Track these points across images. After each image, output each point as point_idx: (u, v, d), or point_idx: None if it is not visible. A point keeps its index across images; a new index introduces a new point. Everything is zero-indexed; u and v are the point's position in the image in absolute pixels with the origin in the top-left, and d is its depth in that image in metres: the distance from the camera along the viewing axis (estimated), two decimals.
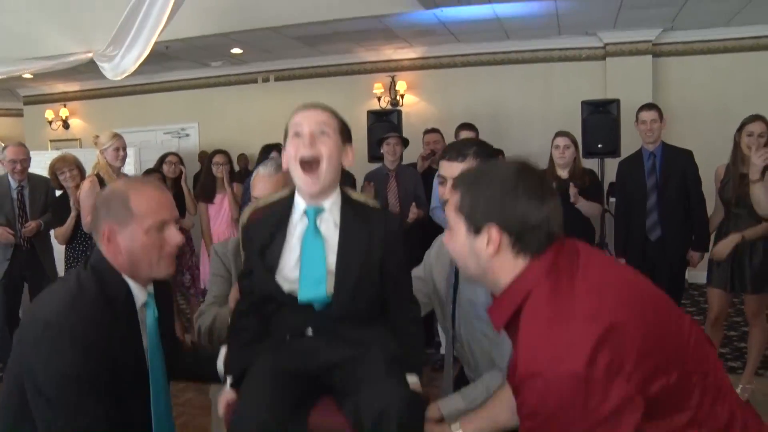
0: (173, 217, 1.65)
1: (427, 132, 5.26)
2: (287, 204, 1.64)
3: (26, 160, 4.42)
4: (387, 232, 1.63)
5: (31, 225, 4.33)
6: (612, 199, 4.96)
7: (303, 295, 1.56)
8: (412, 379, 1.60)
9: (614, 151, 5.64)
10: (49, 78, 8.56)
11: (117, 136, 4.13)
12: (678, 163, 3.89)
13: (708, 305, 3.79)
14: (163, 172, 4.80)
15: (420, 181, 4.70)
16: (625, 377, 1.07)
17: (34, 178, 4.53)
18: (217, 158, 4.84)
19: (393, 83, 7.89)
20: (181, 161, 4.97)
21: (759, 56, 6.70)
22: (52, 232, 4.48)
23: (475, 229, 1.25)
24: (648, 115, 4.00)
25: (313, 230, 1.58)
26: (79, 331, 1.44)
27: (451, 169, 1.87)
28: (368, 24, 6.40)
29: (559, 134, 4.05)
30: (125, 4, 4.61)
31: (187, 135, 8.97)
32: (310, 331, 1.61)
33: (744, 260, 3.53)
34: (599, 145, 5.75)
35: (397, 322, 1.67)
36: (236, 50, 7.55)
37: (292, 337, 1.62)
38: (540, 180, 1.28)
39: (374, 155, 5.66)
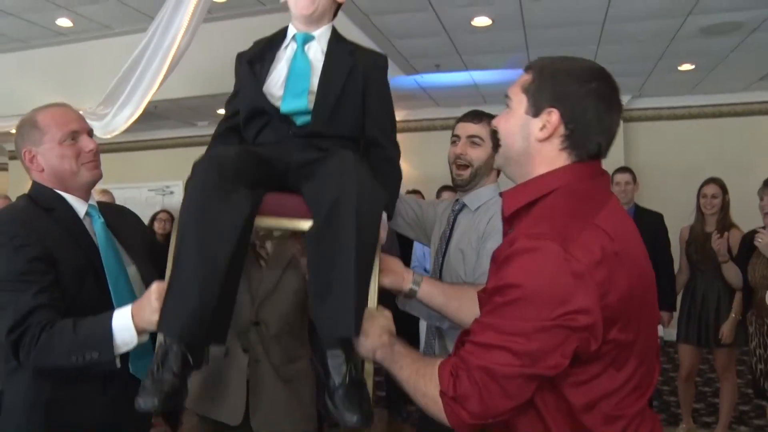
0: (84, 128, 1.74)
1: (408, 193, 5.42)
2: (280, 34, 1.75)
3: None
4: (371, 65, 1.71)
5: None
6: None
7: (285, 106, 1.63)
8: (385, 220, 1.64)
9: None
10: None
11: (106, 192, 4.24)
12: (648, 225, 4.06)
13: (680, 361, 3.91)
14: (155, 229, 4.92)
15: (395, 240, 4.78)
16: (605, 304, 1.06)
17: None
18: (161, 216, 5.12)
19: None
20: (172, 218, 5.10)
21: (721, 122, 7.08)
22: None
23: (536, 110, 1.21)
24: (622, 178, 4.21)
25: (301, 52, 1.67)
26: (9, 235, 1.57)
27: (466, 128, 2.00)
28: None
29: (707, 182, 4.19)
30: (115, 64, 4.77)
31: (172, 192, 9.06)
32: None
33: (710, 316, 3.68)
34: None
35: (371, 158, 1.72)
36: (222, 111, 7.71)
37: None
38: (614, 88, 1.23)
39: None
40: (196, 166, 1.49)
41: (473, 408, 1.11)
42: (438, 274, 2.03)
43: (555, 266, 1.04)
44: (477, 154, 1.97)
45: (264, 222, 1.56)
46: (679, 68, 5.90)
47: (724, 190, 3.77)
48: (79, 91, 6.39)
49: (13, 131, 6.53)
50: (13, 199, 4.77)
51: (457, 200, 2.08)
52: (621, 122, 4.53)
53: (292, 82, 1.64)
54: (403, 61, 5.57)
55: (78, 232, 1.69)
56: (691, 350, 3.79)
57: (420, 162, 7.99)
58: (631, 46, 5.17)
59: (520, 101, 1.24)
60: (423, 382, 1.19)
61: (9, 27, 5.74)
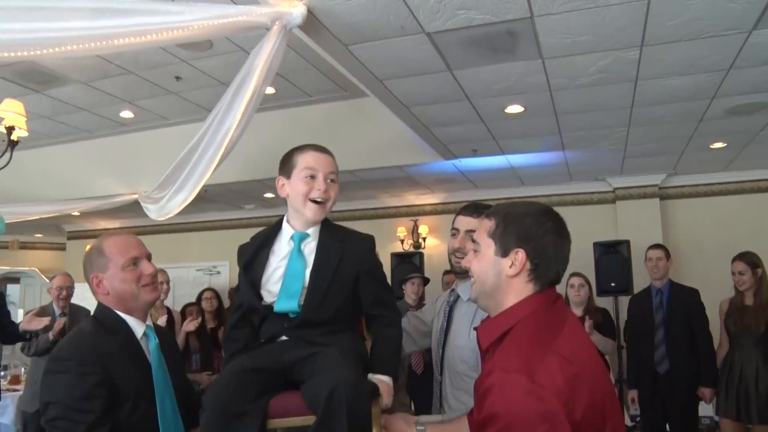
0: (143, 254, 1.93)
1: (446, 273, 5.56)
2: (274, 229, 1.95)
3: (71, 288, 4.83)
4: (359, 252, 1.90)
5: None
6: None
7: (278, 306, 1.82)
8: (386, 379, 1.81)
9: (626, 290, 5.86)
10: (93, 215, 9.18)
11: (162, 272, 4.52)
12: (684, 300, 4.12)
13: None
14: (202, 306, 5.18)
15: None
16: (572, 421, 1.20)
17: (75, 308, 4.89)
18: (206, 294, 5.41)
19: (416, 227, 8.26)
20: (217, 296, 5.37)
21: (759, 197, 7.10)
22: None
23: (504, 251, 1.43)
24: (654, 254, 4.30)
25: (297, 252, 1.86)
26: (77, 360, 1.71)
27: (465, 222, 2.16)
28: (392, 173, 6.90)
29: (573, 274, 4.34)
30: (170, 151, 5.13)
31: (218, 272, 9.37)
32: (284, 337, 1.83)
33: (750, 389, 3.65)
34: (612, 284, 6.00)
35: (375, 327, 1.88)
36: (269, 195, 8.05)
37: (266, 341, 1.85)
38: (562, 222, 1.47)
39: (396, 296, 5.96)
40: (204, 401, 1.69)
41: None
42: (439, 366, 2.20)
43: (525, 397, 1.20)
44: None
45: (276, 423, 1.75)
46: (711, 146, 6.01)
47: (753, 264, 3.81)
48: (136, 176, 6.84)
49: (76, 213, 6.96)
50: (73, 276, 5.13)
51: (452, 290, 2.25)
52: (658, 200, 4.68)
53: (287, 283, 1.84)
54: (441, 147, 5.83)
55: (136, 354, 1.86)
56: (732, 424, 3.74)
57: None
58: (660, 127, 5.33)
59: (488, 245, 1.47)
60: None
61: (80, 120, 6.26)
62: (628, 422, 5.61)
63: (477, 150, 5.99)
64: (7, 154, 4.17)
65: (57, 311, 4.77)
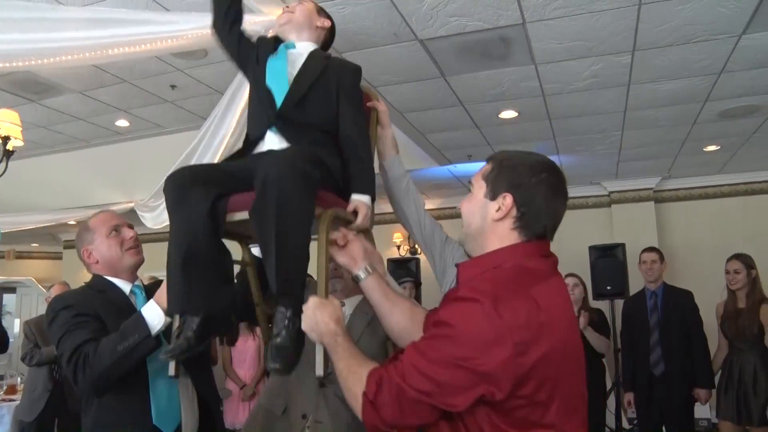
0: (123, 222, 2.17)
1: None
2: (276, 39, 2.11)
3: None
4: (343, 68, 2.00)
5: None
6: None
7: (268, 80, 1.95)
8: (363, 198, 1.83)
9: (622, 293, 5.88)
10: None
11: (155, 281, 4.53)
12: (678, 302, 4.14)
13: None
14: None
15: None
16: (518, 362, 1.20)
17: None
18: None
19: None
20: None
21: (753, 199, 7.15)
22: None
23: (493, 194, 1.41)
24: (649, 257, 4.32)
25: (283, 51, 2.01)
26: (63, 304, 1.97)
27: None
28: None
29: (567, 275, 4.36)
30: (166, 160, 5.14)
31: None
32: (268, 134, 1.90)
33: (748, 392, 3.66)
34: (608, 287, 6.01)
35: (350, 148, 1.90)
36: None
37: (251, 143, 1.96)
38: (561, 179, 1.43)
39: None
40: (166, 180, 1.78)
41: (386, 416, 1.27)
42: None
43: (481, 318, 1.21)
44: None
45: (232, 217, 1.75)
46: (705, 149, 6.06)
47: (747, 265, 3.83)
48: (132, 184, 6.84)
49: (72, 222, 6.96)
50: (71, 284, 5.15)
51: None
52: (653, 203, 4.74)
53: (272, 65, 1.99)
54: (436, 152, 5.85)
55: (123, 304, 2.04)
56: (731, 427, 3.76)
57: None
58: (654, 131, 5.37)
59: (480, 187, 1.45)
60: (352, 379, 1.35)
61: (75, 129, 6.26)
62: (625, 425, 5.62)
63: (472, 155, 6.02)
64: (3, 164, 4.18)
65: None
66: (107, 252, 2.09)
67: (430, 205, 8.36)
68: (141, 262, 2.19)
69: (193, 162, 4.83)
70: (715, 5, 3.17)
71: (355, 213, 1.83)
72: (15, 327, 9.84)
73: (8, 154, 4.19)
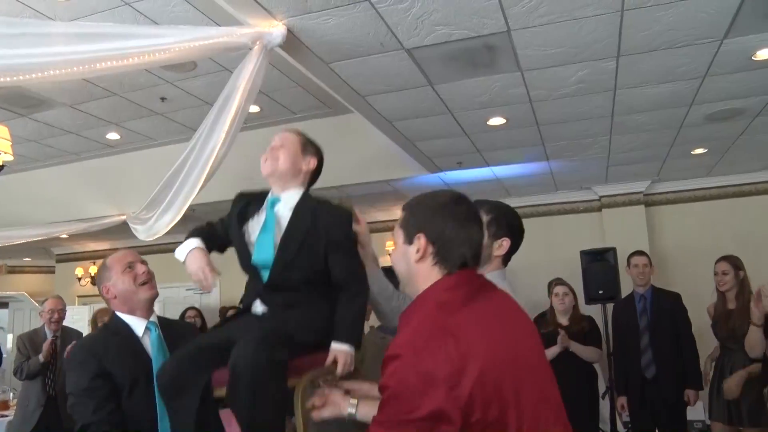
0: (137, 259, 2.31)
1: None
2: (266, 193, 2.12)
3: (63, 311, 4.84)
4: (332, 221, 2.00)
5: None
6: None
7: (255, 257, 2.00)
8: (343, 348, 1.88)
9: (614, 297, 5.89)
10: (81, 238, 9.15)
11: (58, 299, 4.62)
12: (667, 305, 4.18)
13: None
14: None
15: None
16: (456, 395, 1.24)
17: (67, 330, 4.88)
18: (189, 313, 5.36)
19: None
20: (200, 315, 5.38)
21: (743, 201, 7.18)
22: None
23: (409, 239, 1.50)
24: (641, 260, 4.36)
25: (270, 212, 2.03)
26: (78, 359, 2.15)
27: None
28: (379, 188, 6.93)
29: (557, 283, 4.39)
30: (157, 172, 5.15)
31: (208, 292, 9.33)
32: (257, 304, 2.00)
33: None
34: (600, 291, 6.03)
35: (340, 296, 1.95)
36: None
37: (241, 311, 2.06)
38: (467, 208, 1.51)
39: None
40: (158, 372, 1.97)
41: None
42: None
43: (406, 371, 1.28)
44: None
45: (219, 393, 1.87)
46: (693, 153, 6.10)
47: (735, 266, 3.86)
48: (124, 197, 6.84)
49: (65, 236, 6.95)
50: (64, 298, 5.16)
51: None
52: (643, 207, 4.75)
53: (261, 236, 2.01)
54: (426, 160, 5.88)
55: (134, 347, 2.19)
56: (723, 428, 3.78)
57: None
58: (642, 135, 5.41)
59: (399, 235, 1.55)
60: None
61: (66, 143, 6.27)
62: (621, 429, 5.63)
63: (462, 162, 6.05)
64: None
65: (49, 334, 4.77)
66: (122, 287, 2.23)
67: None
68: (155, 296, 2.32)
69: (182, 175, 4.85)
70: (696, 11, 3.21)
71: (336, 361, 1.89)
72: (8, 342, 9.78)
73: None
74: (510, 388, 1.31)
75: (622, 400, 4.22)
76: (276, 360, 1.73)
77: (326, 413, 1.79)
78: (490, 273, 2.13)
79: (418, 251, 1.47)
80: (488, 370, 1.29)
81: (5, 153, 4.19)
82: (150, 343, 2.21)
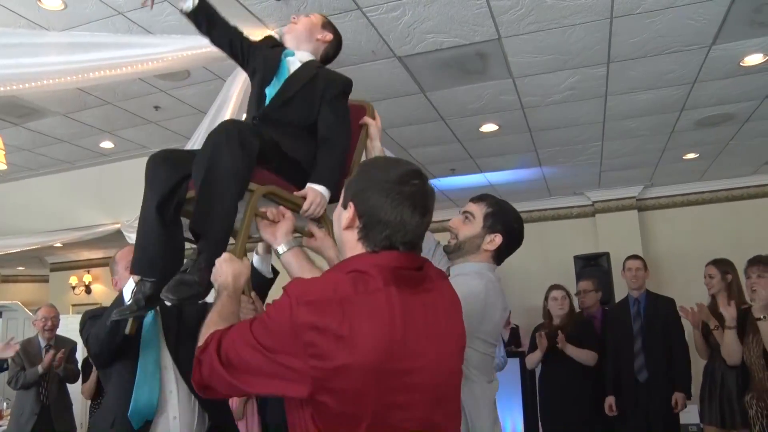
0: None
1: None
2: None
3: (56, 319, 4.82)
4: (331, 80, 2.11)
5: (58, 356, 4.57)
6: None
7: (269, 90, 2.10)
8: (317, 188, 1.91)
9: (608, 301, 5.93)
10: (75, 246, 9.13)
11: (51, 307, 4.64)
12: (660, 309, 4.20)
13: None
14: None
15: None
16: (312, 365, 1.19)
17: (61, 339, 4.87)
18: None
19: None
20: None
21: (735, 205, 7.23)
22: (72, 389, 4.75)
23: (345, 204, 1.39)
24: (634, 264, 4.38)
25: (284, 60, 2.17)
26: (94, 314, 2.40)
27: (469, 207, 2.14)
28: None
29: (554, 288, 4.40)
30: None
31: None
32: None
33: (732, 396, 3.70)
34: None
35: (322, 145, 2.04)
36: None
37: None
38: (413, 190, 1.34)
39: None
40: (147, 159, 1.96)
41: (198, 375, 1.32)
42: None
43: (282, 314, 1.24)
44: (464, 229, 2.09)
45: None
46: (684, 157, 6.15)
47: (722, 270, 3.87)
48: (118, 205, 6.82)
49: (58, 245, 6.92)
50: (58, 307, 5.14)
51: (448, 268, 2.16)
52: (636, 212, 4.69)
53: (278, 75, 2.16)
54: (419, 167, 5.89)
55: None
56: (717, 431, 3.79)
57: None
58: (634, 140, 5.46)
59: (342, 195, 1.44)
60: (204, 331, 1.39)
61: (60, 152, 6.26)
62: None
63: (455, 169, 6.08)
64: None
65: (43, 343, 4.75)
66: (126, 281, 2.30)
67: None
68: None
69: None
70: (684, 18, 3.26)
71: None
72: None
73: None
74: (383, 397, 1.22)
75: (610, 400, 4.19)
76: (244, 138, 1.75)
77: (263, 233, 1.79)
78: (474, 263, 2.06)
79: (346, 218, 1.37)
80: (363, 367, 1.19)
81: None
82: (144, 323, 2.36)
